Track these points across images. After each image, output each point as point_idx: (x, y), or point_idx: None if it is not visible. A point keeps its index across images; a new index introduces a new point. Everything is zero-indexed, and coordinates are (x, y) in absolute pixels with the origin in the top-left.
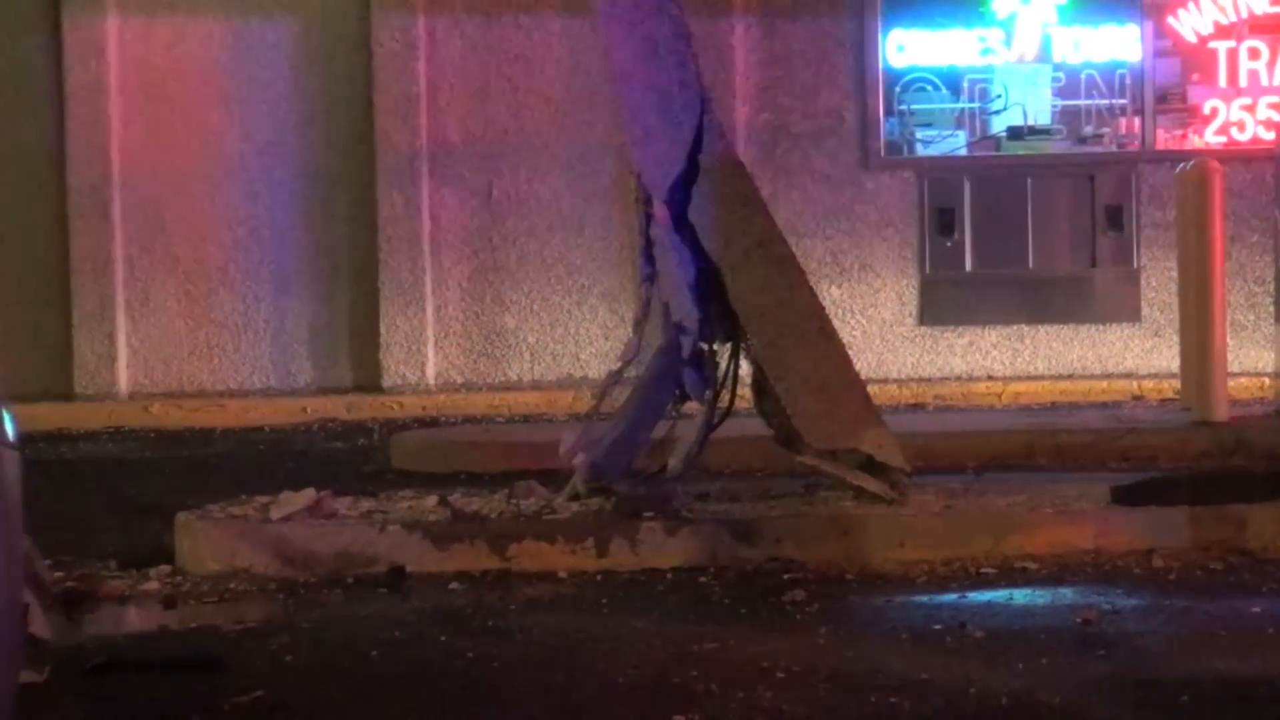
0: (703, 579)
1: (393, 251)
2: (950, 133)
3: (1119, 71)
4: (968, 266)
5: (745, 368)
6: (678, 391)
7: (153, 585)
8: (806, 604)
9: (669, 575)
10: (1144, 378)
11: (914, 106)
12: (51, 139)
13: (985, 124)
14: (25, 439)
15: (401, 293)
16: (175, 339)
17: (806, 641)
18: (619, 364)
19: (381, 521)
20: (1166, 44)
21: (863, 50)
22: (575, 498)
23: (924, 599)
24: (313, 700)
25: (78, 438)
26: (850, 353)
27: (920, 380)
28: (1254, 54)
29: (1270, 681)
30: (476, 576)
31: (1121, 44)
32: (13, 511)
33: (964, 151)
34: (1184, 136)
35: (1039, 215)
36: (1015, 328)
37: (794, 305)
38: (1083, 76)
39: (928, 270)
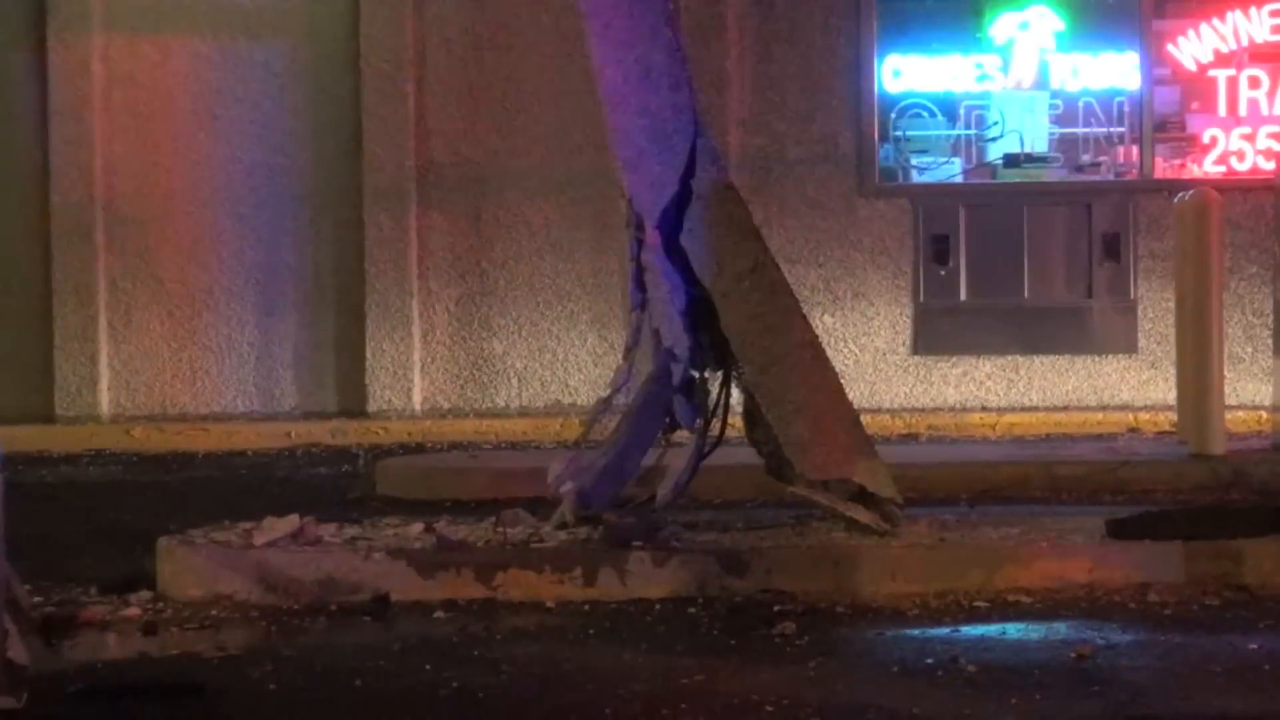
0: (691, 610)
1: (380, 275)
2: (946, 160)
3: (1117, 99)
4: (962, 295)
5: (736, 396)
6: (668, 420)
7: (133, 611)
8: (796, 636)
9: (657, 606)
10: (1140, 410)
11: (909, 133)
12: (35, 157)
13: (981, 151)
14: (4, 461)
15: (388, 317)
16: (158, 361)
17: (796, 674)
18: (608, 391)
19: (366, 549)
20: (1166, 72)
21: (858, 76)
22: (563, 527)
23: (916, 632)
24: None
25: (58, 460)
26: (843, 382)
27: (913, 410)
28: (1254, 83)
29: (1266, 719)
30: (462, 605)
31: (1120, 72)
32: None
33: (960, 179)
34: (1183, 166)
35: (1035, 244)
36: (1010, 358)
37: (786, 333)
38: (1081, 104)
39: (922, 299)
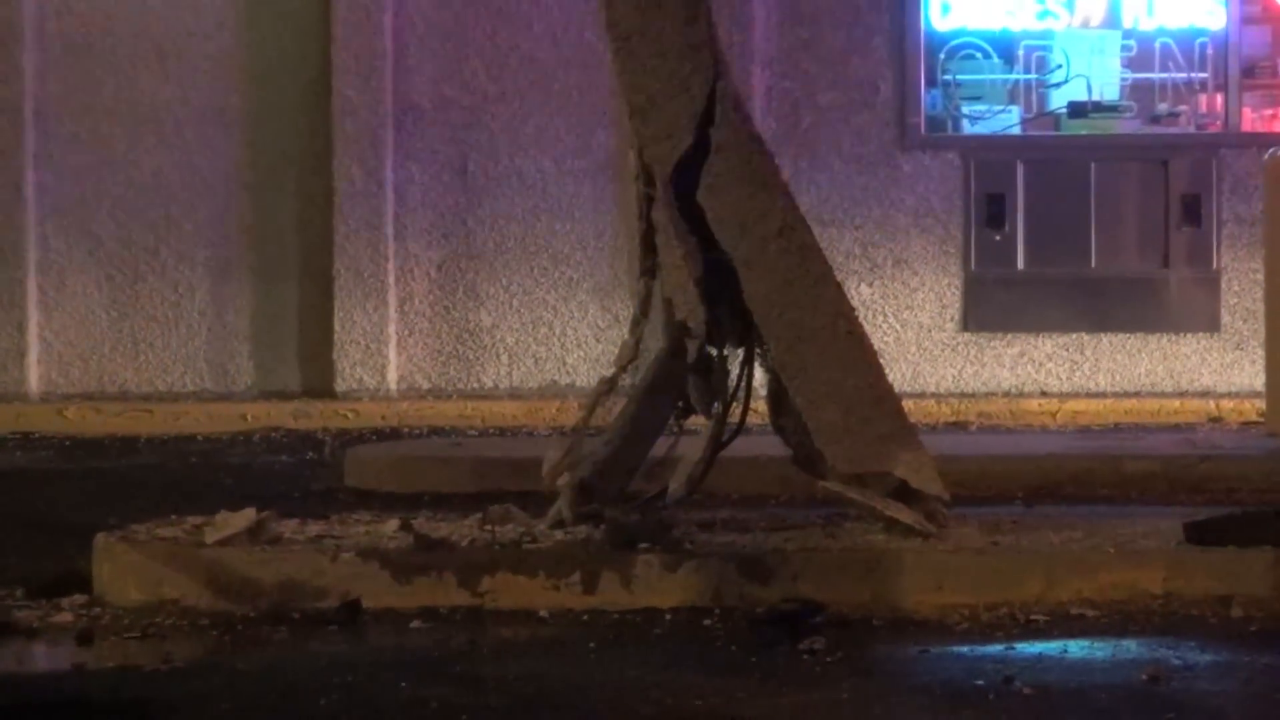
0: (706, 621)
1: (351, 235)
2: (1002, 108)
3: (1199, 40)
4: (1020, 264)
5: (760, 376)
6: (681, 403)
7: (66, 617)
8: (827, 653)
9: (667, 616)
10: (1223, 397)
11: (960, 77)
12: None
13: (1043, 99)
14: None
15: (360, 283)
16: (96, 332)
17: (826, 697)
18: (612, 370)
19: (333, 548)
20: (1255, 9)
21: (902, 10)
22: (559, 525)
23: (964, 650)
24: None
25: None
26: (882, 361)
27: (963, 395)
28: None
29: None
30: (443, 614)
31: (1202, 8)
32: None
33: (1018, 130)
34: (1274, 117)
35: (1103, 206)
36: (1074, 336)
37: (818, 305)
38: (1157, 45)
39: (973, 267)
